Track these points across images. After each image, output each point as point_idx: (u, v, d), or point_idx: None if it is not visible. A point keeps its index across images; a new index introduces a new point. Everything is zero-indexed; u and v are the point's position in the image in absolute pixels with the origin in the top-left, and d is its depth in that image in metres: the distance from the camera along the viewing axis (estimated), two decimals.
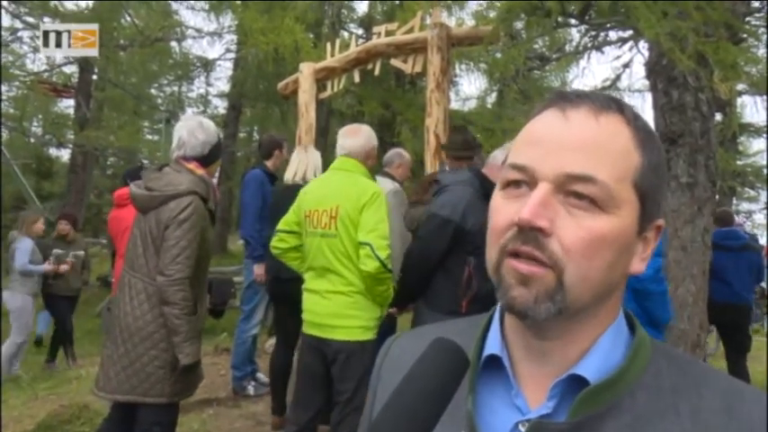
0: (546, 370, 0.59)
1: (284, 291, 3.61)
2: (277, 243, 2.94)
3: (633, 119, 0.59)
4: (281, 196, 3.68)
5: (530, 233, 0.54)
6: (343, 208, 2.66)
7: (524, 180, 0.57)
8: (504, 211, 0.57)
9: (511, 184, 0.58)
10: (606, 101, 0.59)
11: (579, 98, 0.59)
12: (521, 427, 0.57)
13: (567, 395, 0.56)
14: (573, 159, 0.55)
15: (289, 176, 3.65)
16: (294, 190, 3.55)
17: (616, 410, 0.55)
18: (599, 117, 0.57)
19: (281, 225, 2.93)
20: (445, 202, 2.68)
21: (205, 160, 2.54)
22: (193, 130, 2.52)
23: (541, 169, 0.55)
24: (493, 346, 0.62)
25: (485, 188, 2.67)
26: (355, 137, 2.85)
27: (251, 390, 4.35)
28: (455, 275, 2.65)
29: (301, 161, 3.62)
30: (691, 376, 0.57)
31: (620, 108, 0.59)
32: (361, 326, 2.70)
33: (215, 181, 2.73)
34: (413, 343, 0.70)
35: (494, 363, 0.62)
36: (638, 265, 0.59)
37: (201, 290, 2.53)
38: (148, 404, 2.36)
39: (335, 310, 2.71)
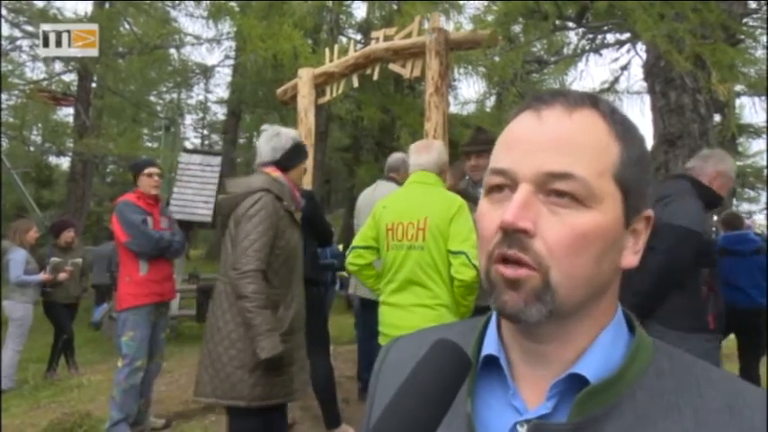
0: (543, 372, 0.58)
1: None
2: (355, 259, 2.85)
3: (609, 113, 0.58)
4: None
5: (514, 236, 0.54)
6: (432, 219, 2.63)
7: (506, 183, 0.57)
8: (488, 216, 0.57)
9: (494, 188, 0.58)
10: (580, 97, 0.59)
11: (553, 97, 0.59)
12: (519, 428, 0.56)
13: (567, 395, 0.56)
14: (550, 158, 0.55)
15: None
16: None
17: (617, 411, 0.54)
18: (572, 113, 0.57)
19: (357, 241, 2.87)
20: (680, 212, 2.56)
21: (280, 164, 2.64)
22: (267, 138, 2.68)
23: (520, 171, 0.55)
24: (490, 346, 0.62)
25: (705, 196, 2.64)
26: (428, 152, 2.85)
27: None
28: (689, 290, 2.54)
29: None
30: (692, 376, 0.57)
31: (595, 103, 0.59)
32: None
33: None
34: (411, 345, 0.70)
35: (491, 364, 0.62)
36: (631, 259, 0.59)
37: (288, 291, 2.55)
38: (231, 407, 2.39)
39: (421, 324, 2.61)
